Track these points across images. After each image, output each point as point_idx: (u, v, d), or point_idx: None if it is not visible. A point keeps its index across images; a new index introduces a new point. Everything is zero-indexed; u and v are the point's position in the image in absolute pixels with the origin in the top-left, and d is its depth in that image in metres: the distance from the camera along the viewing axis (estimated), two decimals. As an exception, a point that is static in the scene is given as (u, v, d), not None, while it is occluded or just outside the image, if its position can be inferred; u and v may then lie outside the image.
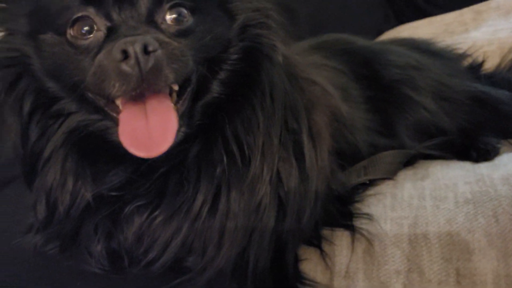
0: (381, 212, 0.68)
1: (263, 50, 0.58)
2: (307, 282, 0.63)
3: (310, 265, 0.65)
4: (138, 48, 0.44)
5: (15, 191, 0.61)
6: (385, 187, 0.73)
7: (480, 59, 1.00)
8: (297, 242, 0.60)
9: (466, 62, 1.01)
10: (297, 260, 0.64)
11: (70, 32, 0.49)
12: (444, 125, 0.82)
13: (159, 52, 0.46)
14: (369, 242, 0.65)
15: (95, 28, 0.49)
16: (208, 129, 0.55)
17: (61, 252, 0.55)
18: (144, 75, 0.45)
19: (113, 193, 0.52)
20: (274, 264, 0.59)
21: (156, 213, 0.52)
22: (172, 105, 0.49)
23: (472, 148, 0.79)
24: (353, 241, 0.65)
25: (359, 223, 0.67)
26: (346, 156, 0.75)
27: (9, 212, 0.69)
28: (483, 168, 0.73)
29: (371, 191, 0.73)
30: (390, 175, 0.75)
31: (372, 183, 0.75)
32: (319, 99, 0.64)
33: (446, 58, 0.96)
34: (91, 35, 0.49)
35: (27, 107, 0.54)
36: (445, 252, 0.61)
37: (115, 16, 0.49)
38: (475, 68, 0.99)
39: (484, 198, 0.65)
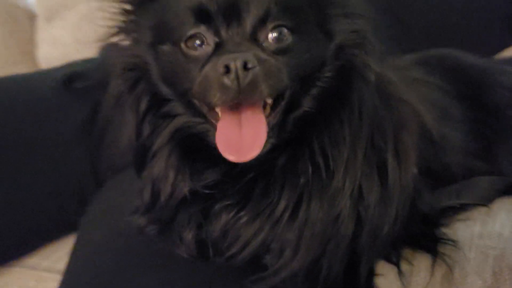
0: (468, 239, 0.66)
1: (356, 69, 0.60)
2: None
3: (386, 282, 0.66)
4: (239, 64, 0.49)
5: (130, 175, 0.70)
6: (477, 214, 0.70)
7: None
8: (372, 257, 0.61)
9: None
10: (372, 274, 0.65)
11: (184, 45, 0.56)
12: None
13: (257, 69, 0.50)
14: (450, 267, 0.64)
15: (205, 42, 0.55)
16: (296, 141, 0.58)
17: (158, 234, 0.62)
18: (242, 89, 0.50)
19: (206, 191, 0.58)
20: (347, 275, 0.61)
21: (242, 213, 0.57)
22: (264, 117, 0.53)
23: None
24: (433, 265, 0.65)
25: (442, 248, 0.66)
26: (439, 176, 0.74)
27: (124, 192, 0.79)
28: None
29: (461, 215, 0.71)
30: (485, 202, 0.72)
31: (463, 207, 0.73)
32: (408, 118, 0.64)
33: None
34: (202, 48, 0.55)
35: (143, 106, 0.62)
36: (530, 290, 0.59)
37: (223, 33, 0.54)
38: None
39: None
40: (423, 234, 0.68)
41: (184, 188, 0.59)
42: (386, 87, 0.63)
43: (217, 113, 0.56)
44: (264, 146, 0.53)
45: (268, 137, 0.54)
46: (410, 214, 0.68)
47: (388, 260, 0.66)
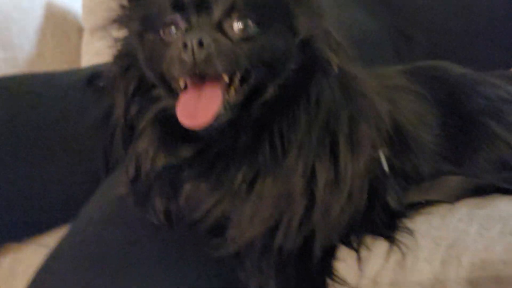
0: (425, 230, 0.69)
1: (318, 63, 0.66)
2: (337, 279, 0.68)
3: (345, 266, 0.70)
4: (194, 41, 0.57)
5: None
6: (440, 209, 0.73)
7: None
8: (326, 237, 0.66)
9: None
10: (331, 257, 0.70)
11: (162, 31, 0.65)
12: None
13: (212, 47, 0.58)
14: (403, 254, 0.67)
15: (178, 29, 0.64)
16: (259, 123, 0.65)
17: (136, 204, 0.70)
18: (197, 63, 0.58)
19: (177, 165, 0.66)
20: (302, 251, 0.66)
21: (204, 184, 0.64)
22: (220, 94, 0.61)
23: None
24: (389, 251, 0.69)
25: (399, 235, 0.70)
26: (409, 177, 0.78)
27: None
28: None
29: (426, 210, 0.74)
30: (450, 200, 0.75)
31: (429, 203, 0.76)
32: (366, 111, 0.69)
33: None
34: (175, 34, 0.64)
35: (131, 89, 0.70)
36: (472, 278, 0.61)
37: (193, 20, 0.62)
38: None
39: (531, 234, 0.62)
40: (384, 223, 0.72)
41: (160, 163, 0.67)
42: (349, 81, 0.68)
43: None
44: (218, 119, 0.60)
45: (225, 111, 0.61)
46: (373, 205, 0.72)
47: (349, 245, 0.70)
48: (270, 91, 0.65)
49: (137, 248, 0.65)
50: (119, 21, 0.71)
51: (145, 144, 0.69)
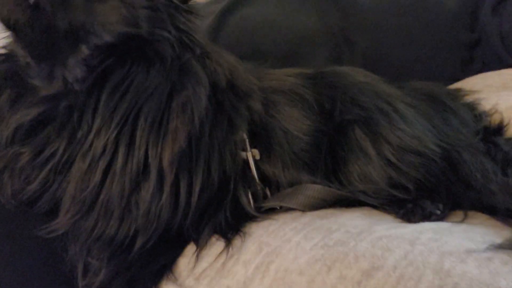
0: (258, 235, 0.70)
1: (147, 55, 0.68)
2: (171, 275, 0.70)
3: (184, 261, 0.72)
4: None
5: None
6: (286, 216, 0.74)
7: (503, 122, 0.87)
8: (143, 229, 0.66)
9: (487, 121, 0.89)
10: (175, 253, 0.72)
11: None
12: (399, 179, 0.77)
13: None
14: (230, 256, 0.69)
15: None
16: (83, 92, 0.67)
17: None
18: None
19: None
20: (129, 243, 0.68)
21: (29, 157, 0.67)
22: None
23: (407, 204, 0.73)
24: (221, 252, 0.70)
25: (234, 238, 0.71)
26: (270, 182, 0.79)
27: None
28: (387, 224, 0.68)
29: (276, 216, 0.75)
30: (304, 208, 0.75)
31: (283, 210, 0.76)
32: (188, 103, 0.68)
33: (455, 113, 0.87)
34: None
35: None
36: (272, 285, 0.62)
37: None
38: (492, 130, 0.86)
39: (339, 248, 0.62)
40: (228, 225, 0.73)
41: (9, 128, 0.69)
42: (180, 76, 0.69)
43: None
44: None
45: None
46: (221, 205, 0.74)
47: (196, 242, 0.72)
48: (89, 52, 0.66)
49: None
50: None
51: None
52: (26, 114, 0.68)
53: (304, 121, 0.82)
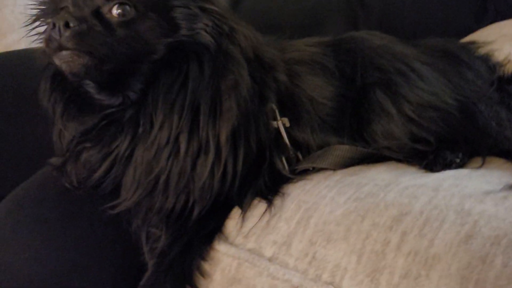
0: (296, 194, 0.78)
1: (193, 48, 0.75)
2: (221, 235, 0.79)
3: (232, 223, 0.81)
4: (61, 22, 0.68)
5: None
6: (319, 176, 0.81)
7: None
8: (200, 199, 0.76)
9: (501, 72, 0.94)
10: (224, 216, 0.81)
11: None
12: (420, 134, 0.83)
13: (77, 27, 0.68)
14: (273, 215, 0.77)
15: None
16: (141, 100, 0.76)
17: (57, 170, 0.84)
18: (62, 41, 0.68)
19: (78, 136, 0.79)
20: (184, 212, 0.77)
21: (95, 152, 0.77)
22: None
23: (429, 155, 0.80)
24: (264, 212, 0.78)
25: (274, 199, 0.79)
26: (301, 147, 0.86)
27: None
28: (411, 175, 0.75)
29: (309, 176, 0.82)
30: (334, 167, 0.82)
31: (316, 170, 0.84)
32: (239, 89, 0.76)
33: (469, 67, 0.92)
34: None
35: (49, 74, 0.83)
36: (313, 236, 0.70)
37: (75, 6, 0.73)
38: (506, 79, 0.91)
39: (370, 200, 0.70)
40: (267, 188, 0.81)
41: (71, 133, 0.79)
42: (225, 61, 0.76)
43: None
44: (80, 58, 0.70)
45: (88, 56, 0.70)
46: (260, 170, 0.82)
47: (240, 205, 0.81)
48: (146, 67, 0.75)
49: (45, 207, 0.80)
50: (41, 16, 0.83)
51: (59, 119, 0.81)
52: (90, 120, 0.78)
53: (327, 88, 0.89)
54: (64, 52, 0.70)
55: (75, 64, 0.70)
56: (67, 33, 0.68)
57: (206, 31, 0.76)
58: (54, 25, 0.68)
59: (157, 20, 0.75)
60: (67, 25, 0.68)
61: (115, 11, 0.73)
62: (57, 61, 0.72)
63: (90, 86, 0.79)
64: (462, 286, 0.54)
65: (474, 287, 0.53)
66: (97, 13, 0.72)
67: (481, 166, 0.78)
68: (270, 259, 0.71)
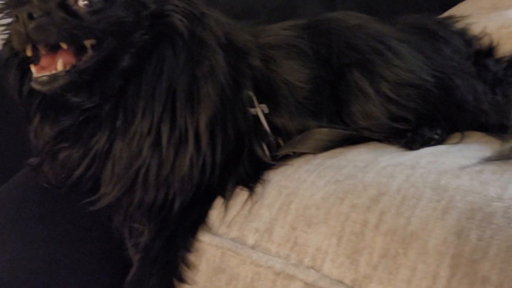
0: (277, 180, 0.78)
1: (166, 32, 0.74)
2: (204, 226, 0.79)
3: (216, 213, 0.81)
4: (24, 14, 0.66)
5: None
6: (300, 160, 0.81)
7: (492, 43, 0.91)
8: (180, 190, 0.76)
9: (478, 45, 0.93)
10: (207, 206, 0.81)
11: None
12: (398, 112, 0.83)
13: (42, 19, 0.67)
14: (254, 202, 0.77)
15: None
16: (118, 92, 0.74)
17: (32, 170, 0.83)
18: (29, 33, 0.67)
19: (54, 135, 0.78)
20: (165, 205, 0.77)
21: (74, 151, 0.76)
22: (60, 59, 0.70)
23: (408, 134, 0.80)
24: (246, 200, 0.78)
25: (256, 186, 0.79)
26: (280, 133, 0.86)
27: None
28: (390, 154, 0.75)
29: (290, 162, 0.82)
30: (314, 151, 0.82)
31: (297, 155, 0.84)
32: (216, 74, 0.76)
33: (446, 42, 0.91)
34: None
35: (19, 72, 0.81)
36: (294, 221, 0.70)
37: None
38: (483, 53, 0.91)
39: (349, 181, 0.70)
40: (248, 175, 0.81)
41: (47, 133, 0.79)
42: (198, 47, 0.75)
43: None
44: (57, 80, 0.70)
45: (65, 73, 0.70)
46: (237, 161, 0.81)
47: (222, 194, 0.80)
48: (125, 61, 0.74)
49: (26, 207, 0.79)
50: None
51: (37, 119, 0.80)
52: (66, 119, 0.76)
53: (303, 71, 0.88)
54: (40, 79, 0.69)
55: (53, 86, 0.70)
56: (32, 25, 0.67)
57: (176, 12, 0.75)
58: (17, 17, 0.67)
59: (125, 5, 0.73)
60: (30, 16, 0.67)
61: (82, 2, 0.71)
62: (34, 85, 0.71)
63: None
64: (439, 262, 0.54)
65: (451, 262, 0.54)
66: (63, 5, 0.71)
67: (460, 142, 0.78)
68: (252, 247, 0.71)
